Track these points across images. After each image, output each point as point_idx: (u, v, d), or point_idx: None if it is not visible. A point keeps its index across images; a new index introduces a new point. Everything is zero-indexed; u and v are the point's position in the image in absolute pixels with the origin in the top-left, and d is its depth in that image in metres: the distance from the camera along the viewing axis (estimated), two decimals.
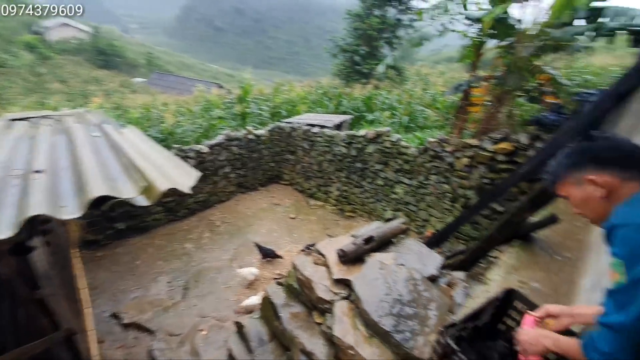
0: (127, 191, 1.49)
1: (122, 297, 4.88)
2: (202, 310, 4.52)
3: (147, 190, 1.55)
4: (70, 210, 1.35)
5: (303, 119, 8.47)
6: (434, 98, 9.83)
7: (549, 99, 5.30)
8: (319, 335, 2.46)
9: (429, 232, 5.37)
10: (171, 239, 6.21)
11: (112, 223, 5.85)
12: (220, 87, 22.76)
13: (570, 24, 4.37)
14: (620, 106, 2.12)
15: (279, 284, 3.07)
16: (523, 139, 4.23)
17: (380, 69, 6.03)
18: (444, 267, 2.88)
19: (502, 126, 5.08)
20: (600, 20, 4.00)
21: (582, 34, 4.28)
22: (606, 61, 10.37)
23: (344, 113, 10.05)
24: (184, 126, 8.79)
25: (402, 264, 2.68)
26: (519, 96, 5.45)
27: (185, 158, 6.15)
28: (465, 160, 4.83)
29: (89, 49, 33.11)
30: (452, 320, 1.46)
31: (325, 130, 7.26)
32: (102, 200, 1.44)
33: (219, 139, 7.09)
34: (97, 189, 1.43)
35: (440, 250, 4.59)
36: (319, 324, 2.52)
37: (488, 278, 2.31)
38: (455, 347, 1.31)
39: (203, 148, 6.65)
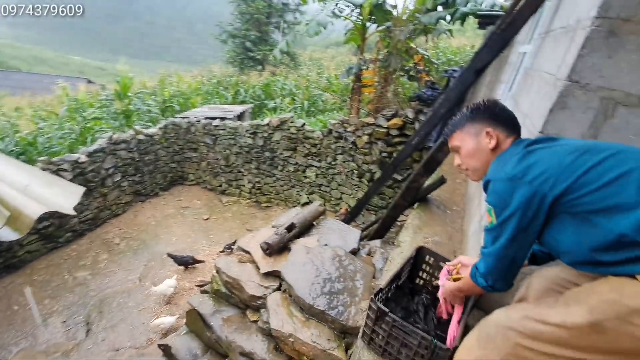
0: None
1: (2, 353, 3.90)
2: (114, 342, 3.95)
3: (12, 220, 1.21)
4: None
5: (200, 112, 7.88)
6: (329, 81, 10.28)
7: (425, 77, 6.11)
8: (257, 332, 2.41)
9: (343, 208, 5.72)
10: (56, 271, 5.17)
11: None
12: (90, 82, 19.28)
13: (434, 9, 5.03)
14: (478, 80, 2.56)
15: (204, 292, 2.87)
16: (409, 113, 4.80)
17: (277, 54, 5.98)
18: (362, 239, 3.12)
19: (391, 104, 5.66)
20: (455, 6, 4.71)
21: (443, 18, 4.99)
22: (461, 42, 12.38)
23: (243, 102, 9.73)
24: (49, 133, 7.24)
25: (325, 244, 2.80)
26: (401, 76, 6.12)
27: (58, 172, 5.11)
28: (365, 138, 5.24)
29: None
30: (379, 286, 1.60)
31: (227, 122, 6.91)
32: None
33: (99, 143, 6.06)
34: None
35: (357, 224, 4.96)
36: (255, 321, 2.46)
37: (400, 241, 2.59)
38: (384, 309, 1.44)
39: (80, 157, 5.60)
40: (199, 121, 7.13)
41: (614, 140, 1.30)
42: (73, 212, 1.57)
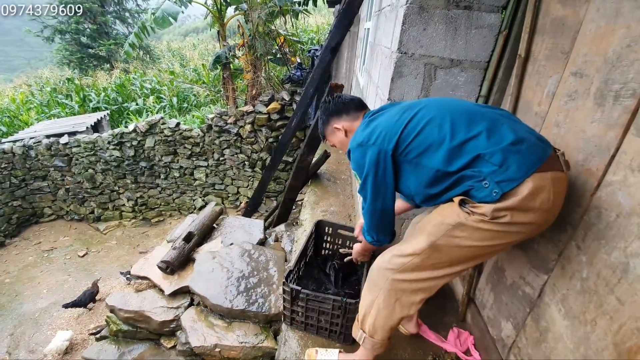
0: None
1: None
2: None
3: None
4: None
5: (38, 130, 6.36)
6: (197, 73, 9.55)
7: (293, 59, 6.28)
8: (178, 357, 2.24)
9: (244, 203, 5.60)
10: None
11: None
12: None
13: None
14: (335, 57, 2.77)
15: (101, 338, 2.48)
16: (285, 96, 4.91)
17: (129, 50, 5.18)
18: (266, 227, 3.15)
19: (266, 89, 5.66)
20: None
21: None
22: (319, 20, 13.03)
23: (96, 110, 8.24)
24: None
25: (231, 243, 2.72)
26: (270, 59, 6.13)
27: None
28: (248, 127, 5.15)
29: None
30: (288, 268, 1.67)
31: (79, 137, 5.77)
32: None
33: None
34: None
35: (260, 214, 4.94)
36: (173, 347, 2.28)
37: (301, 219, 2.72)
38: (297, 288, 1.52)
39: None
40: (39, 142, 5.74)
41: (439, 96, 1.62)
42: None
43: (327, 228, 2.06)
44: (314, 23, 11.64)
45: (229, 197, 5.90)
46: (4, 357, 4.00)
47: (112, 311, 2.35)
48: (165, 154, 5.69)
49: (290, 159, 5.10)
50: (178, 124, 5.46)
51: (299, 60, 6.06)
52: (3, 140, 6.22)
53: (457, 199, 0.97)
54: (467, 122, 0.98)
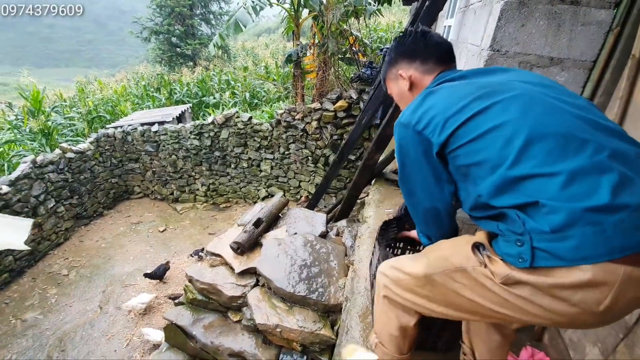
0: None
1: None
2: None
3: None
4: None
5: (134, 118, 7.31)
6: (267, 70, 10.08)
7: (361, 57, 6.29)
8: (242, 331, 2.43)
9: (304, 197, 5.80)
10: None
11: None
12: None
13: None
14: None
15: (179, 303, 2.79)
16: (353, 94, 4.94)
17: (211, 49, 5.71)
18: (328, 221, 3.23)
19: (334, 87, 5.77)
20: None
21: None
22: (390, 19, 12.82)
23: (180, 102, 9.19)
24: None
25: (295, 233, 2.86)
26: (340, 58, 6.23)
27: None
28: (314, 124, 5.31)
29: None
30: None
31: (167, 126, 6.50)
32: None
33: (21, 169, 5.37)
34: None
35: (319, 208, 5.07)
36: (238, 321, 2.47)
37: (365, 216, 2.73)
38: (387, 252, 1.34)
39: (2, 187, 4.94)
40: (135, 129, 6.62)
41: None
42: (27, 248, 1.41)
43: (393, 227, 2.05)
44: (384, 22, 11.48)
45: (290, 190, 6.15)
46: (96, 309, 4.71)
47: (190, 281, 2.62)
48: (236, 146, 6.14)
49: (353, 157, 5.14)
50: (250, 118, 5.85)
51: (369, 59, 6.05)
52: (107, 126, 7.28)
53: (472, 240, 0.77)
54: (552, 147, 0.65)
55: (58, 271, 5.36)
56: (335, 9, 5.23)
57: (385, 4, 5.85)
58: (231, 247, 2.72)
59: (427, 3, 2.38)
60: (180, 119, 7.28)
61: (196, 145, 6.35)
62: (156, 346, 3.72)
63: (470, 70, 0.91)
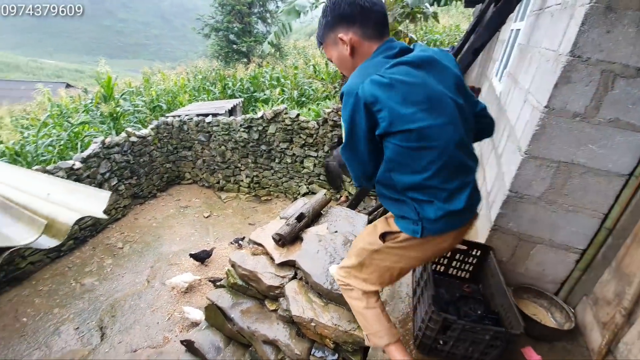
0: (22, 236, 1.15)
1: None
2: (131, 344, 4.01)
3: (48, 228, 1.23)
4: None
5: (191, 109, 7.79)
6: (317, 70, 10.20)
7: None
8: (278, 320, 2.48)
9: (343, 196, 5.79)
10: (62, 280, 5.16)
11: None
12: (69, 86, 18.73)
13: None
14: (476, 59, 2.61)
15: (220, 286, 2.93)
16: None
17: (265, 47, 5.91)
18: (369, 222, 3.19)
19: None
20: None
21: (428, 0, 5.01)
22: (446, 21, 12.36)
23: (233, 96, 9.63)
24: (35, 142, 7.08)
25: (336, 231, 2.86)
26: None
27: None
28: None
29: None
30: (430, 291, 1.45)
31: (220, 118, 6.85)
32: None
33: (92, 148, 5.97)
34: None
35: (358, 210, 5.04)
36: (274, 310, 2.53)
37: None
38: (451, 317, 1.34)
39: (75, 163, 5.53)
40: (191, 119, 7.05)
41: (615, 112, 1.38)
42: (105, 216, 1.58)
43: None
44: (441, 24, 11.09)
45: (330, 188, 6.18)
46: (144, 282, 5.10)
47: (232, 266, 2.74)
48: (282, 141, 6.30)
49: None
50: (298, 115, 5.96)
51: None
52: (167, 115, 7.84)
53: (378, 232, 1.18)
54: (450, 173, 1.00)
55: (114, 244, 5.89)
56: (393, 9, 5.15)
57: (443, 6, 5.64)
58: (273, 238, 2.79)
59: (497, 4, 2.27)
60: (232, 112, 7.63)
61: (244, 138, 6.62)
62: (194, 324, 3.94)
63: (412, 56, 0.97)
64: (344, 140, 1.03)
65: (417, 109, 0.91)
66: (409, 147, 0.94)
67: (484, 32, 2.20)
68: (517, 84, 2.07)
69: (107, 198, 1.62)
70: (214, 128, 6.87)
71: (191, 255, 5.12)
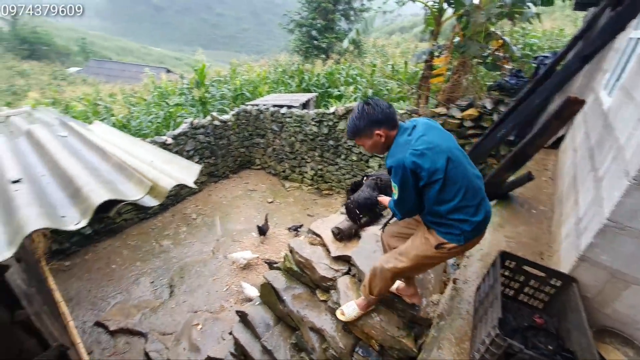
0: (132, 193, 1.37)
1: (102, 304, 4.63)
2: (193, 305, 4.44)
3: (151, 190, 1.44)
4: (72, 220, 1.22)
5: (268, 100, 8.23)
6: (394, 69, 9.96)
7: (506, 64, 5.60)
8: (326, 311, 2.52)
9: None
10: (146, 238, 5.93)
11: (77, 229, 5.43)
12: (169, 71, 21.22)
13: None
14: (584, 67, 2.29)
15: (277, 268, 3.07)
16: (488, 104, 4.47)
17: (345, 44, 5.95)
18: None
19: (466, 93, 5.31)
20: None
21: (532, 0, 4.51)
22: (548, 25, 11.03)
23: (307, 91, 9.91)
24: (139, 118, 8.20)
25: None
26: (479, 63, 5.69)
27: None
28: None
29: (9, 38, 29.00)
30: (496, 313, 1.36)
31: (293, 110, 7.13)
32: (104, 207, 1.32)
33: (182, 128, 6.71)
34: (97, 195, 1.29)
35: None
36: (324, 301, 2.58)
37: None
38: (519, 346, 1.25)
39: (167, 139, 6.28)
40: (267, 109, 7.47)
41: None
42: (194, 186, 1.81)
43: (508, 261, 1.79)
44: (542, 27, 9.93)
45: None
46: (210, 253, 5.59)
47: (290, 251, 2.86)
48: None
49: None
50: None
51: (514, 67, 5.36)
52: (247, 103, 8.41)
53: (434, 244, 1.59)
54: (471, 193, 1.47)
55: (190, 214, 6.56)
56: (488, 8, 4.76)
57: (547, 6, 5.02)
58: (332, 232, 2.84)
59: (616, 8, 1.95)
60: (305, 105, 7.87)
61: (314, 132, 6.79)
62: (248, 299, 4.21)
63: (423, 130, 1.50)
64: (397, 195, 1.51)
65: (442, 164, 1.41)
66: (443, 187, 1.43)
67: (597, 38, 1.91)
68: (633, 99, 1.77)
69: (197, 171, 1.83)
70: (287, 119, 7.17)
71: (258, 227, 5.61)
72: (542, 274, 1.65)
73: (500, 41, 5.50)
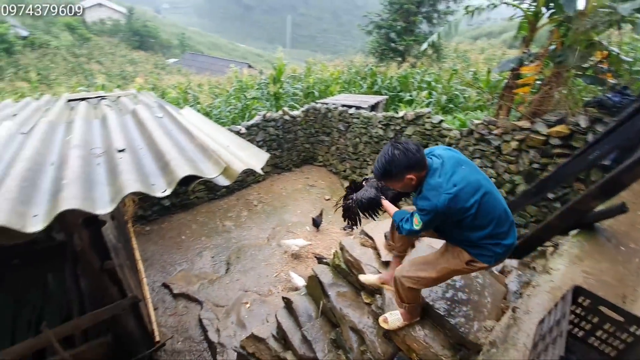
0: (209, 171, 1.56)
1: (170, 269, 5.22)
2: (245, 284, 4.75)
3: (225, 171, 1.61)
4: (159, 188, 1.44)
5: (338, 99, 8.36)
6: (475, 77, 9.32)
7: (610, 78, 4.85)
8: (369, 314, 2.51)
9: None
10: (212, 217, 6.50)
11: (159, 199, 6.19)
12: (250, 67, 22.78)
13: None
14: None
15: (325, 263, 3.14)
16: (582, 121, 3.94)
17: (424, 46, 5.74)
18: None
19: (557, 107, 4.75)
20: None
21: None
22: None
23: (378, 93, 9.80)
24: (220, 107, 8.97)
25: None
26: (577, 75, 5.03)
27: None
28: (514, 144, 4.60)
29: (125, 30, 33.99)
30: (557, 351, 1.24)
31: (361, 111, 7.13)
32: (184, 181, 1.52)
33: (255, 119, 7.18)
34: (182, 169, 1.50)
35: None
36: (368, 304, 2.57)
37: (550, 267, 2.22)
38: None
39: (241, 129, 6.77)
40: (336, 108, 7.59)
41: None
42: (262, 172, 1.98)
43: (583, 299, 1.56)
44: None
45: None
46: (265, 239, 5.91)
47: (341, 249, 2.90)
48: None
49: (552, 195, 4.19)
50: (441, 121, 5.64)
51: (619, 83, 4.62)
52: (317, 101, 8.65)
53: (464, 261, 1.70)
54: (502, 220, 1.59)
55: (252, 200, 7.01)
56: (594, 15, 4.18)
57: None
58: (385, 236, 2.80)
59: None
60: (374, 107, 7.82)
61: (380, 135, 6.71)
62: (295, 288, 4.37)
63: (450, 165, 1.56)
64: (419, 227, 1.58)
65: (474, 199, 1.50)
66: (474, 219, 1.53)
67: None
68: None
69: (265, 159, 1.98)
70: (354, 120, 7.20)
71: (313, 219, 5.82)
72: (621, 319, 1.42)
73: (605, 52, 4.78)
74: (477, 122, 5.06)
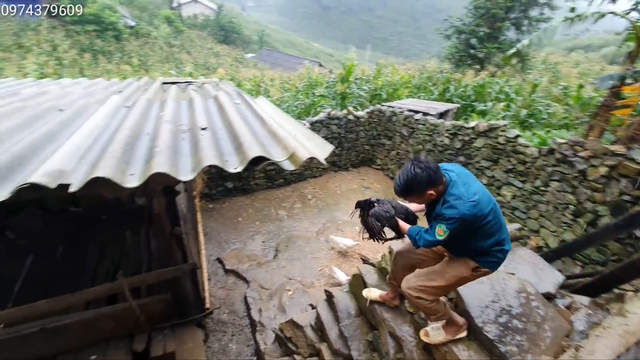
0: (277, 155, 1.68)
1: (225, 246, 5.63)
2: (290, 272, 4.93)
3: (291, 156, 1.72)
4: (232, 165, 1.60)
5: (405, 104, 8.16)
6: (565, 92, 8.36)
7: None
8: (410, 324, 2.45)
9: (533, 241, 4.75)
10: (267, 204, 6.83)
11: (223, 181, 6.70)
12: (321, 65, 23.28)
13: None
14: None
15: (371, 264, 3.13)
16: None
17: (512, 51, 5.29)
18: (562, 286, 2.55)
19: None
20: None
21: None
22: None
23: (450, 101, 9.34)
24: (288, 102, 9.35)
25: (513, 273, 2.46)
26: None
27: None
28: (602, 170, 4.06)
29: (213, 25, 37.16)
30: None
31: (428, 118, 6.88)
32: (254, 161, 1.66)
33: (320, 116, 7.35)
34: (253, 151, 1.65)
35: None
36: (412, 313, 2.50)
37: (627, 310, 1.96)
38: None
39: (306, 124, 6.99)
40: (402, 112, 7.42)
41: None
42: (325, 163, 2.07)
43: None
44: None
45: (523, 230, 5.18)
46: (314, 233, 6.03)
47: (390, 252, 2.86)
48: (485, 158, 5.70)
49: (639, 233, 3.61)
50: (517, 136, 5.19)
51: None
52: (383, 104, 8.55)
53: (470, 268, 1.86)
54: (504, 228, 1.78)
55: (306, 194, 7.21)
56: None
57: None
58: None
59: None
60: (443, 115, 7.48)
61: (445, 144, 6.41)
62: (337, 284, 4.41)
63: (464, 178, 1.73)
64: (443, 237, 1.65)
65: (489, 208, 1.66)
66: (490, 225, 1.68)
67: None
68: None
69: (329, 150, 2.05)
70: (419, 126, 6.97)
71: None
72: None
73: None
74: (560, 141, 4.57)
